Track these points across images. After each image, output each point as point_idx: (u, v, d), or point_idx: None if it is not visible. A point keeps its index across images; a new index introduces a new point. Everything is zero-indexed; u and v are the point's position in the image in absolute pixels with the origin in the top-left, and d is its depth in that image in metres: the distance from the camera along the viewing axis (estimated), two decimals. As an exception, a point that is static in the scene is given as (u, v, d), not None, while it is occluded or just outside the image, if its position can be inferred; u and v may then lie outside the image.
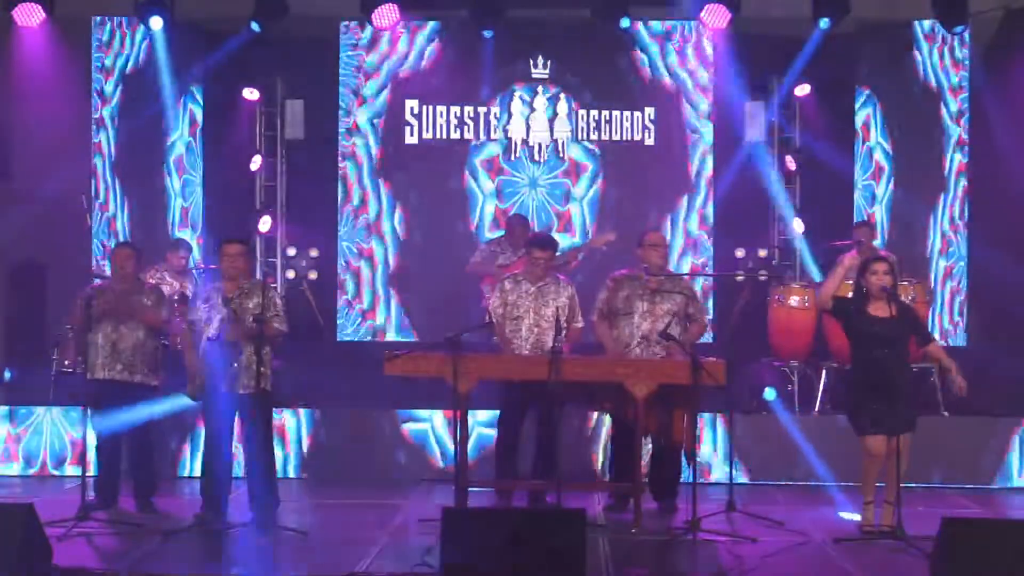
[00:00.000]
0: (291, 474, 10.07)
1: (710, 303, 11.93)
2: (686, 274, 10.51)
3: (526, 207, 12.19)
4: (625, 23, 11.55)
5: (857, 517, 8.30)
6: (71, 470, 9.96)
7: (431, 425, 10.14)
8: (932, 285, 11.85)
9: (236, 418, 8.29)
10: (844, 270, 8.14)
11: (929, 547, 6.92)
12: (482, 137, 12.31)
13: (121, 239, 11.64)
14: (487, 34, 11.71)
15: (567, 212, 12.31)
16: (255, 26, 11.28)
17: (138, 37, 11.96)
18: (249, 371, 8.06)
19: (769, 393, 10.37)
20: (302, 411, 10.20)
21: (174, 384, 8.81)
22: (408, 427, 10.18)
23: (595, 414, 9.83)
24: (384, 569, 7.04)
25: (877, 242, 11.47)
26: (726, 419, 9.59)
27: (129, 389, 8.54)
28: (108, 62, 12.02)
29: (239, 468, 8.68)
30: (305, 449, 10.17)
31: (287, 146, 12.39)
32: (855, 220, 11.92)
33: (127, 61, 12.04)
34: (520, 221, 11.24)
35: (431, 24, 12.29)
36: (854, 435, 8.08)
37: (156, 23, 11.21)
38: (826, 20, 11.12)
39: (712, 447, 9.97)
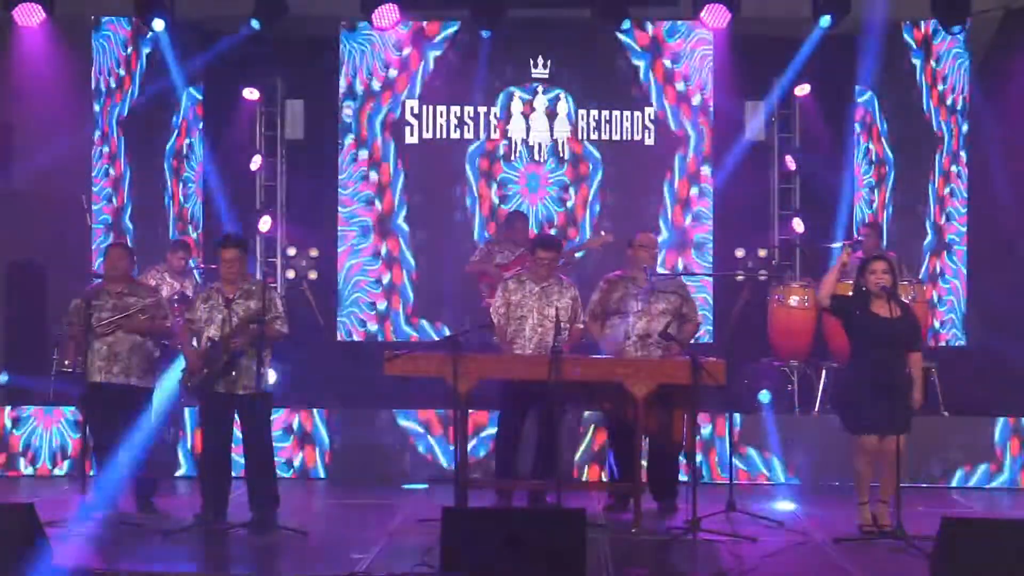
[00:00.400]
0: (290, 474, 10.08)
1: (710, 303, 11.93)
2: (683, 274, 10.51)
3: (526, 207, 12.18)
4: (626, 25, 11.57)
5: (792, 506, 8.36)
6: (71, 470, 9.97)
7: (431, 425, 10.15)
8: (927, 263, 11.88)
9: (236, 418, 8.29)
10: (839, 267, 8.14)
11: (929, 547, 6.92)
12: (482, 137, 12.30)
13: (125, 239, 11.64)
14: (485, 34, 11.71)
15: (566, 212, 12.29)
16: (255, 23, 11.26)
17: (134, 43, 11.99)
18: (249, 372, 8.07)
19: (763, 396, 10.38)
20: (301, 411, 10.21)
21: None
22: (408, 427, 10.18)
23: (595, 414, 9.83)
24: (384, 569, 7.04)
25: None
26: (726, 419, 9.59)
27: (126, 392, 8.53)
28: (111, 64, 12.04)
29: (239, 468, 8.68)
30: (303, 449, 10.18)
31: (287, 146, 12.39)
32: (855, 221, 11.94)
33: (130, 65, 12.06)
34: (520, 218, 11.23)
35: (430, 24, 12.28)
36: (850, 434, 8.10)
37: (158, 25, 11.24)
38: (827, 17, 11.11)
39: (712, 447, 9.98)
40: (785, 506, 8.87)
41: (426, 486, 9.81)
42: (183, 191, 12.33)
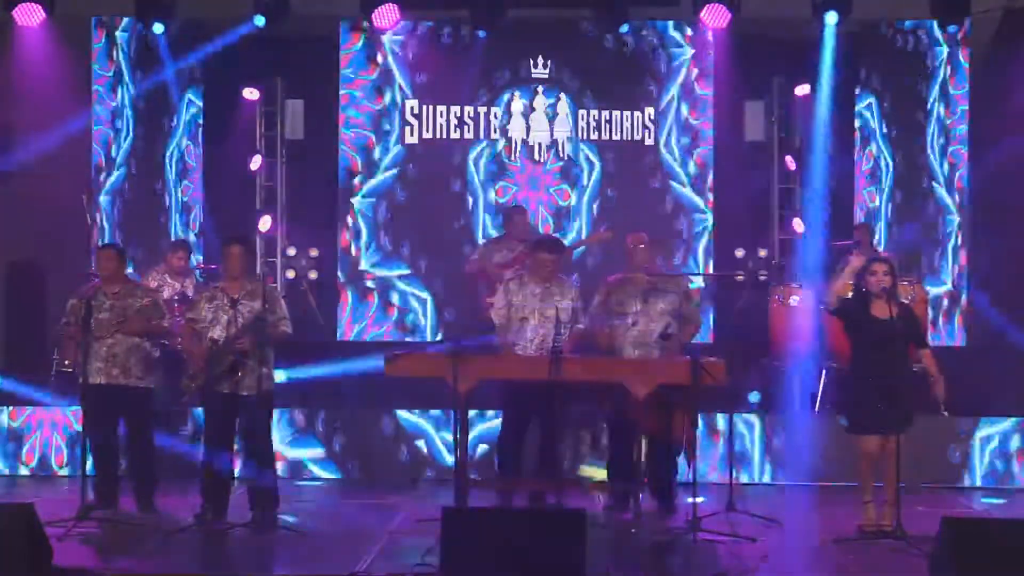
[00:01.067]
0: (290, 474, 10.08)
1: (709, 303, 11.94)
2: (683, 274, 10.51)
3: (526, 206, 12.15)
4: (624, 28, 11.59)
5: (701, 499, 8.40)
6: (71, 470, 9.97)
7: (432, 425, 10.15)
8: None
9: (237, 418, 8.29)
10: (853, 271, 8.13)
11: (929, 547, 6.92)
12: (482, 137, 12.31)
13: (122, 240, 11.65)
14: (481, 34, 11.71)
15: (566, 211, 12.29)
16: (259, 20, 11.25)
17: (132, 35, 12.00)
18: (253, 372, 8.06)
19: (754, 396, 10.40)
20: (302, 411, 10.22)
21: (170, 383, 8.82)
22: (408, 426, 10.19)
23: (595, 414, 9.83)
24: (384, 569, 7.04)
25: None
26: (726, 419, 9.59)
27: (124, 391, 8.53)
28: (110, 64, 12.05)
29: (240, 468, 8.69)
30: (304, 449, 10.19)
31: (287, 146, 12.39)
32: (856, 221, 11.94)
33: (130, 65, 12.07)
34: (519, 212, 11.21)
35: (431, 24, 12.28)
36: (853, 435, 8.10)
37: (158, 28, 11.26)
38: (834, 14, 11.09)
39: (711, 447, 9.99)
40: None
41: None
42: (183, 191, 12.33)
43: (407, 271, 12.30)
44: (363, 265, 12.29)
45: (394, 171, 12.33)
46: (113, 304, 8.54)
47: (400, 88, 12.29)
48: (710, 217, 12.25)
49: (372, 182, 12.31)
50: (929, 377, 8.21)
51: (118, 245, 9.38)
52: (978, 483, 9.99)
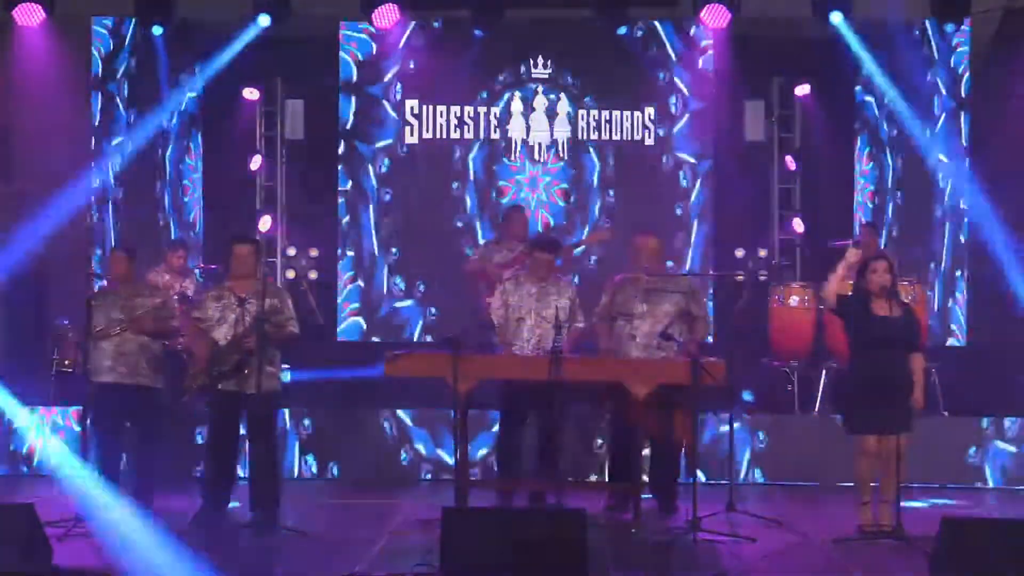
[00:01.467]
0: (291, 474, 10.08)
1: (710, 303, 11.92)
2: (685, 273, 10.51)
3: (526, 207, 12.14)
4: (622, 30, 11.59)
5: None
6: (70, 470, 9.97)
7: (431, 425, 10.15)
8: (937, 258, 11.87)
9: (240, 418, 8.29)
10: (848, 265, 8.12)
11: (929, 547, 6.92)
12: (482, 137, 12.30)
13: (120, 241, 11.64)
14: (478, 33, 11.71)
15: (566, 211, 12.29)
16: (265, 19, 11.24)
17: (131, 36, 11.99)
18: (255, 371, 8.05)
19: (747, 395, 10.41)
20: (301, 411, 10.22)
21: (170, 382, 8.83)
22: (408, 426, 10.18)
23: (596, 414, 9.84)
24: (384, 569, 7.04)
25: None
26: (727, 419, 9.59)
27: (132, 391, 8.53)
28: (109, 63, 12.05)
29: (243, 468, 8.70)
30: (304, 449, 10.19)
31: (287, 146, 12.38)
32: (854, 221, 11.94)
33: (127, 64, 12.07)
34: (517, 211, 11.20)
35: (431, 24, 12.28)
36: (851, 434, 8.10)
37: (158, 30, 11.27)
38: (839, 13, 11.09)
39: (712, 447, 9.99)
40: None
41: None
42: (183, 191, 12.33)
43: (409, 301, 12.28)
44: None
45: (392, 170, 12.33)
46: (124, 304, 8.54)
47: (399, 88, 12.28)
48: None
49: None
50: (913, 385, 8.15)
51: (128, 247, 9.37)
52: (978, 483, 10.00)
